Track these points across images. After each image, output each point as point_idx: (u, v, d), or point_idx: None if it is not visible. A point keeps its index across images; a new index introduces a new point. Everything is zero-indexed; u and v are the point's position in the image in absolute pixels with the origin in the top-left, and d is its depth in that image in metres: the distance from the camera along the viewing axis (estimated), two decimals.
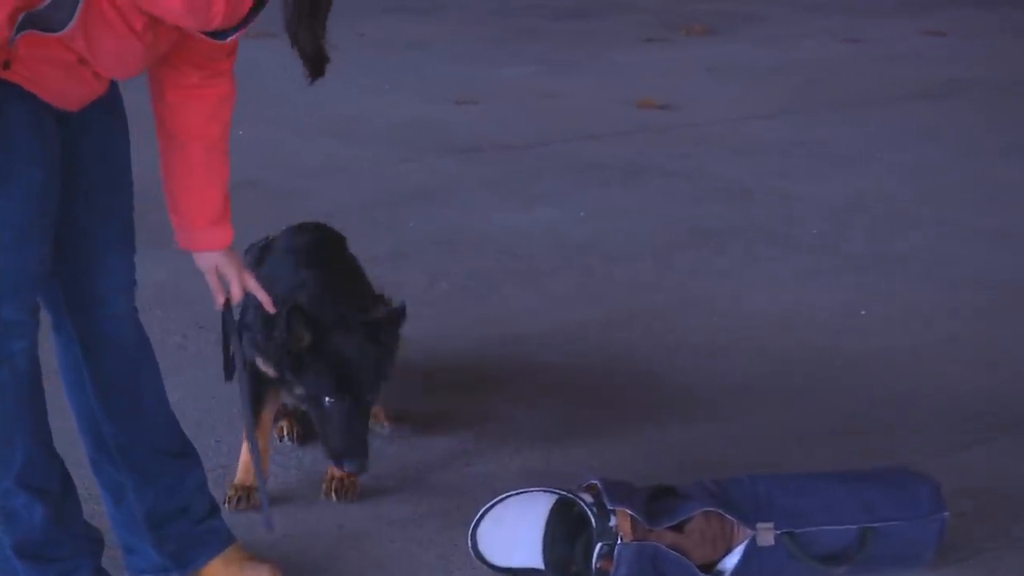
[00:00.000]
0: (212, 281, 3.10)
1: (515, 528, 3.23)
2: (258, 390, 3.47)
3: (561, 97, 7.91)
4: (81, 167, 2.83)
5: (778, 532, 3.20)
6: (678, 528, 3.20)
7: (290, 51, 2.71)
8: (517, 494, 3.29)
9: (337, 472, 3.55)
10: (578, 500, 3.20)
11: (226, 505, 3.43)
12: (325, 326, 3.36)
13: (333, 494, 3.56)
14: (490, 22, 9.76)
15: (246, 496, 3.49)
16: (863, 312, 4.93)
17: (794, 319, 4.87)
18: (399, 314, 3.46)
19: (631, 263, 5.40)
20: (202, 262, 3.08)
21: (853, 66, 8.48)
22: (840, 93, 7.95)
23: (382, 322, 3.45)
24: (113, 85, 2.88)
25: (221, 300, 3.14)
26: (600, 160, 6.74)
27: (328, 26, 2.73)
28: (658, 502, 3.24)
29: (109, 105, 2.86)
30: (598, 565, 3.16)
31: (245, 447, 3.50)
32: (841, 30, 9.16)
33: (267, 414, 3.57)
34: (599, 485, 3.22)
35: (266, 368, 3.46)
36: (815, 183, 6.44)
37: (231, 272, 3.09)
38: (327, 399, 3.36)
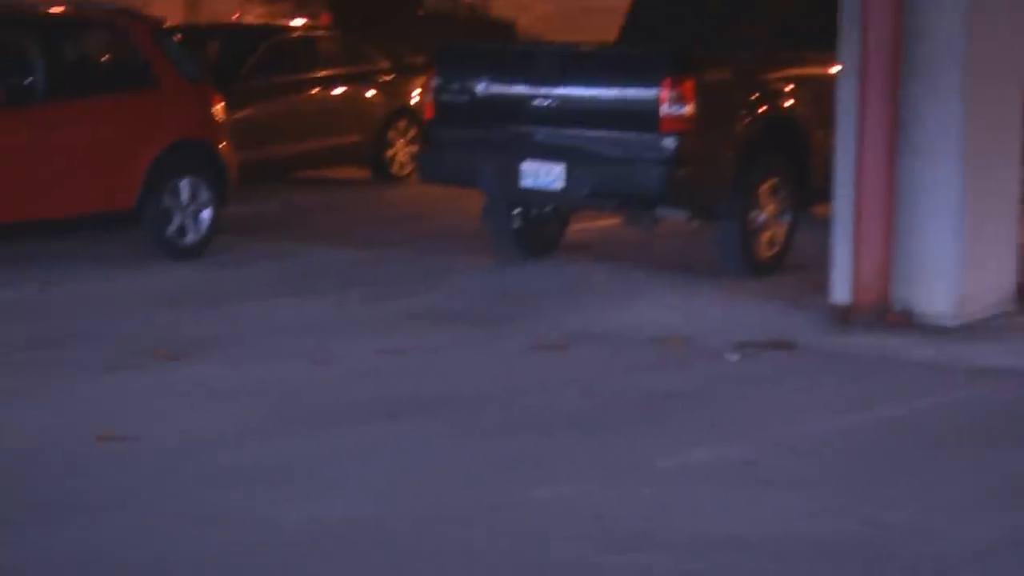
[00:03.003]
0: None
1: None
2: None
3: (18, 433, 7.60)
4: None
5: None
6: None
7: None
8: None
9: None
10: None
11: None
12: None
13: None
14: None
15: None
16: None
17: None
18: None
19: None
20: None
21: (322, 386, 8.58)
22: (309, 413, 8.00)
23: None
24: None
25: None
26: (53, 498, 6.46)
27: None
28: None
29: None
30: None
31: None
32: (312, 351, 9.29)
33: None
34: None
35: None
36: (277, 507, 6.37)
37: None
38: None
